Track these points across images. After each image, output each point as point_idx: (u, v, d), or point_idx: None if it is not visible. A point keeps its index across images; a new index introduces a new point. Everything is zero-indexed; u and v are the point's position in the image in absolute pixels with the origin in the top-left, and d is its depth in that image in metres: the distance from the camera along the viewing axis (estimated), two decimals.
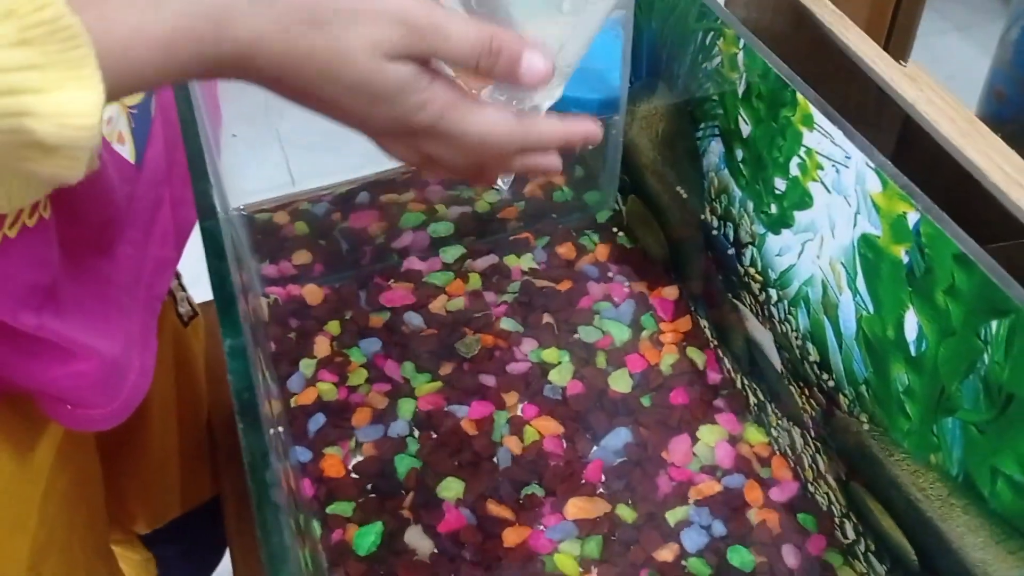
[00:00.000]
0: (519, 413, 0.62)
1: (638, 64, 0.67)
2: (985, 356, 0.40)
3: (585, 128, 0.43)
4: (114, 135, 0.48)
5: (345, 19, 0.34)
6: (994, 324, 0.39)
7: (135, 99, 0.51)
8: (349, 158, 0.68)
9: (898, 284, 0.44)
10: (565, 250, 0.73)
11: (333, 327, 0.67)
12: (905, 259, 0.43)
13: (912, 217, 0.42)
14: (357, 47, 0.34)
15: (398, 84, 0.36)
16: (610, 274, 0.71)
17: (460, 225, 0.73)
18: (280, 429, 0.53)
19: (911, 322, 0.44)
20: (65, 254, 0.44)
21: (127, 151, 0.49)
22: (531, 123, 0.41)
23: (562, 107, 0.82)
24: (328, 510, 0.57)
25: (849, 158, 0.46)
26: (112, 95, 0.29)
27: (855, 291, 0.48)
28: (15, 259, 0.40)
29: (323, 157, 0.73)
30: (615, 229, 0.75)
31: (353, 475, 0.59)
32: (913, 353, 0.45)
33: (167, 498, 0.72)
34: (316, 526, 0.56)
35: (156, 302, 0.55)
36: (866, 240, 0.46)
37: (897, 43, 0.65)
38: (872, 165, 0.44)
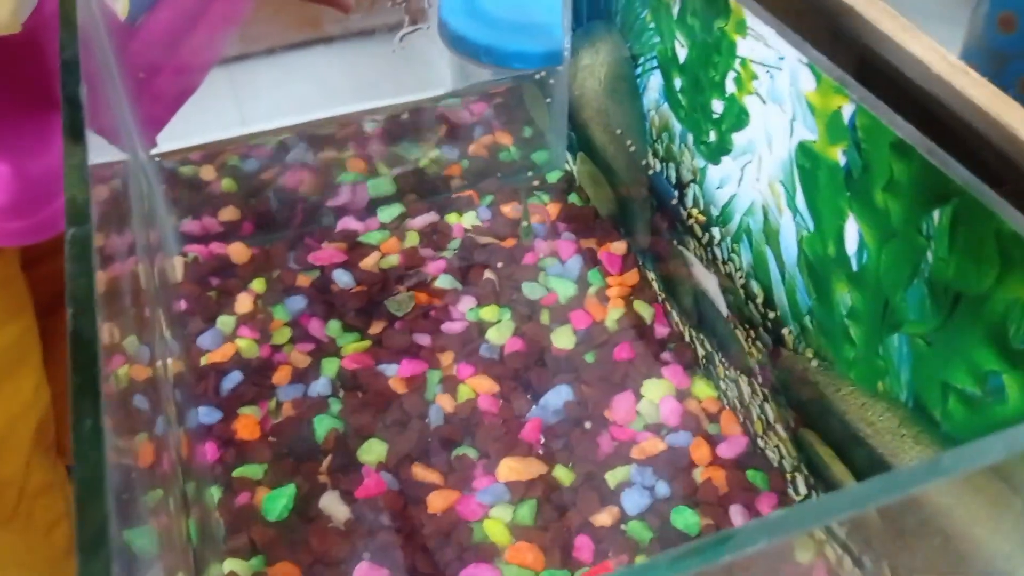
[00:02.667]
0: (454, 373, 0.58)
1: (579, 8, 0.64)
2: (928, 254, 0.36)
3: None
4: None
5: None
6: (936, 214, 0.35)
7: None
8: (298, 98, 0.66)
9: (836, 191, 0.40)
10: (510, 209, 0.69)
11: (258, 285, 0.63)
12: (842, 161, 0.40)
13: (847, 110, 0.38)
14: None
15: None
16: (558, 232, 0.67)
17: (400, 183, 0.69)
18: (176, 391, 0.49)
19: (851, 233, 0.40)
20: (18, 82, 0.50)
21: (118, 7, 0.52)
22: None
23: (504, 62, 0.79)
24: (235, 473, 0.52)
25: (783, 59, 0.42)
26: None
27: (795, 210, 0.44)
28: None
29: (275, 99, 0.70)
30: (565, 189, 0.71)
31: (270, 438, 0.55)
32: (855, 268, 0.41)
33: None
34: (214, 491, 0.51)
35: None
36: (803, 149, 0.42)
37: None
38: (805, 60, 0.40)
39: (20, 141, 0.54)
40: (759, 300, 0.49)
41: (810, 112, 0.41)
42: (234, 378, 0.56)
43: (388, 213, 0.68)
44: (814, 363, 0.46)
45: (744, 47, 0.45)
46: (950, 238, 0.34)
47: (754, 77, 0.45)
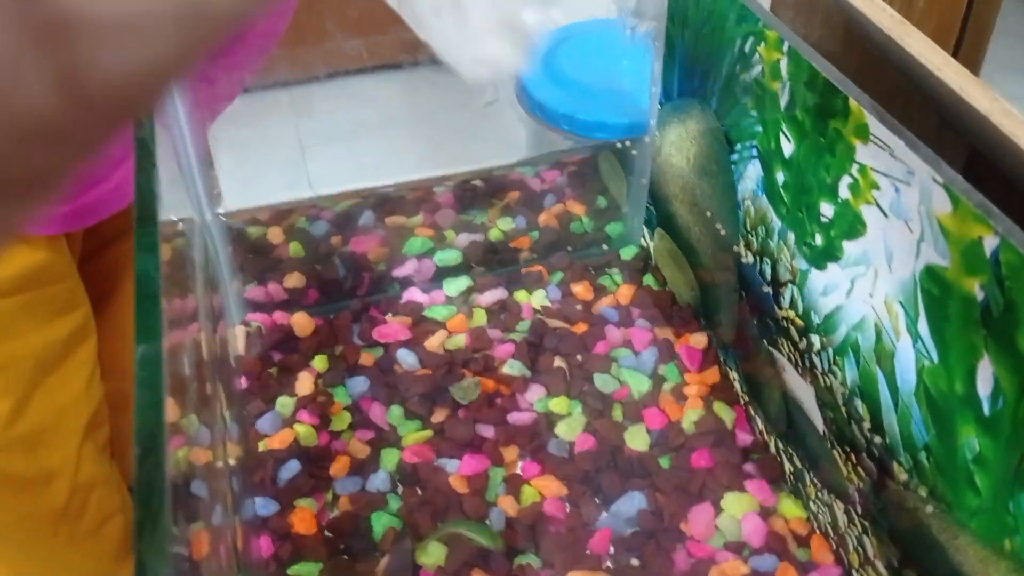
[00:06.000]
0: (518, 471, 0.54)
1: (669, 83, 0.60)
2: None
3: None
4: None
5: None
6: None
7: None
8: (367, 158, 0.64)
9: (970, 326, 0.36)
10: (582, 289, 0.65)
11: (320, 363, 0.60)
12: (980, 295, 0.35)
13: (989, 243, 0.34)
14: None
15: None
16: (632, 318, 0.63)
17: (468, 254, 0.66)
18: (233, 478, 0.46)
19: (985, 374, 0.36)
20: None
21: None
22: None
23: (586, 131, 0.76)
24: (290, 571, 0.49)
25: (912, 174, 0.38)
26: None
27: (916, 336, 0.40)
28: None
29: (343, 160, 0.68)
30: (640, 268, 0.67)
31: (327, 532, 0.51)
32: (987, 412, 0.36)
33: None
34: None
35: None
36: (931, 273, 0.38)
37: (967, 57, 0.57)
38: (940, 180, 0.36)
39: None
40: (865, 423, 0.45)
41: (943, 236, 0.37)
42: (292, 467, 0.53)
43: (455, 286, 0.65)
44: (928, 505, 0.41)
45: (864, 153, 0.41)
46: None
47: (875, 187, 0.41)
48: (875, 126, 0.40)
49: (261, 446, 0.54)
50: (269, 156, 0.61)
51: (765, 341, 0.54)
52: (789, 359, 0.51)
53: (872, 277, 0.42)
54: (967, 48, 0.70)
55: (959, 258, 0.36)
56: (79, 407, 0.66)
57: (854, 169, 0.42)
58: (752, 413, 0.57)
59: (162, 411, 0.27)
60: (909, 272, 0.39)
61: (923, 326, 0.39)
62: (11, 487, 0.64)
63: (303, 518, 0.51)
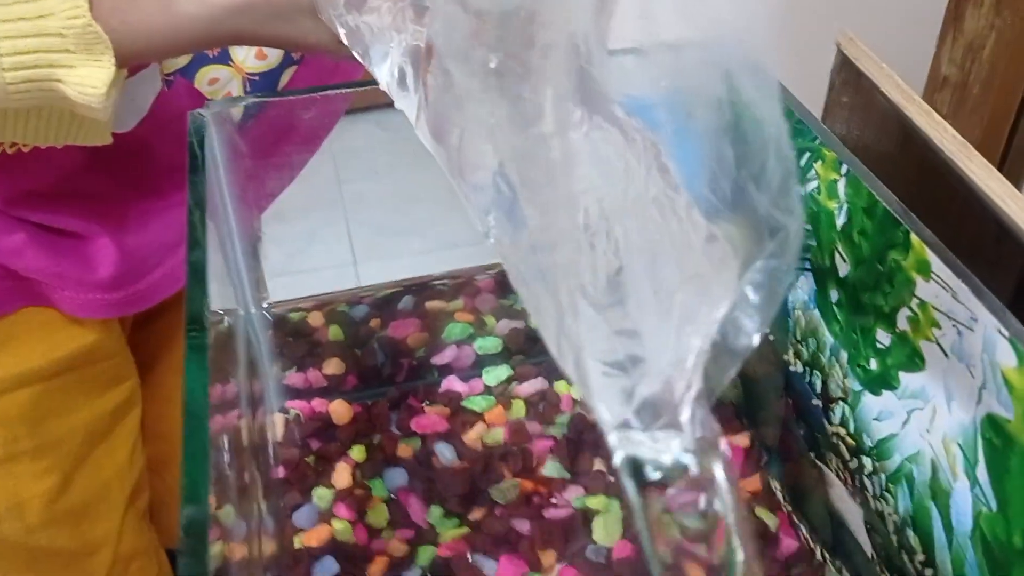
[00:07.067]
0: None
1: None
2: None
3: None
4: (219, 94, 0.56)
5: None
6: None
7: (258, 67, 0.56)
8: (414, 240, 0.64)
9: None
10: None
11: (358, 453, 0.59)
12: None
13: None
14: None
15: None
16: None
17: (508, 342, 0.65)
18: (266, 574, 0.45)
19: None
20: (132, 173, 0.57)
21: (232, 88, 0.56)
22: None
23: None
24: None
25: (975, 320, 0.37)
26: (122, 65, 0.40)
27: (974, 481, 0.39)
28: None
29: (389, 238, 0.68)
30: None
31: None
32: None
33: None
34: None
35: None
36: (993, 422, 0.37)
37: (1012, 170, 0.56)
38: (1006, 333, 0.35)
39: (121, 220, 0.58)
40: (917, 556, 0.44)
41: (1007, 389, 0.36)
42: (328, 567, 0.53)
43: (494, 375, 0.64)
44: None
45: (925, 290, 0.40)
46: None
47: (935, 325, 0.40)
48: (937, 265, 0.39)
49: (297, 542, 0.54)
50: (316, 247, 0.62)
51: (812, 453, 0.53)
52: (837, 475, 0.50)
53: (930, 413, 0.41)
54: (1021, 137, 0.69)
55: (1023, 414, 0.35)
56: (123, 478, 0.66)
57: (914, 303, 0.41)
58: (796, 521, 0.56)
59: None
60: (970, 417, 0.38)
61: (982, 472, 0.38)
62: (56, 561, 0.65)
63: None
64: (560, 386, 0.64)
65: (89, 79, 0.40)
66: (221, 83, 0.56)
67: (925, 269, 0.40)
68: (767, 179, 0.28)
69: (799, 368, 0.53)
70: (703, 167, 0.30)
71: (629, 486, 0.28)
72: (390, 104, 0.40)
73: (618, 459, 0.27)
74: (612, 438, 0.28)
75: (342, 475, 0.57)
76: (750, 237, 0.29)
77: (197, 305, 0.37)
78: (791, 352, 0.53)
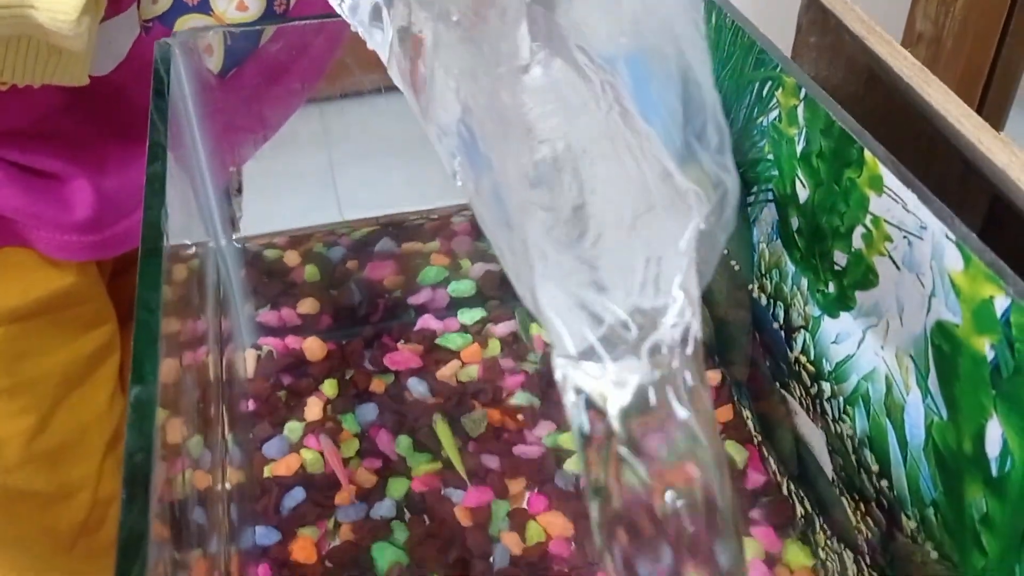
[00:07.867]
0: (524, 505, 0.54)
1: None
2: None
3: None
4: (201, 45, 0.54)
5: None
6: None
7: (238, 18, 0.56)
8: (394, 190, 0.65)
9: (980, 385, 0.36)
10: None
11: (330, 388, 0.60)
12: (990, 355, 0.35)
13: (1000, 303, 0.34)
14: None
15: None
16: None
17: (482, 285, 0.66)
18: (232, 505, 0.46)
19: (994, 434, 0.35)
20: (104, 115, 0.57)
21: (212, 62, 0.56)
22: None
23: None
24: None
25: (924, 228, 0.38)
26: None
27: (926, 391, 0.39)
28: None
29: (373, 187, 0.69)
30: None
31: (327, 563, 0.51)
32: (994, 473, 0.36)
33: None
34: None
35: None
36: (942, 329, 0.38)
37: (990, 114, 0.57)
38: (952, 237, 0.36)
39: (100, 162, 0.59)
40: (874, 474, 0.44)
41: (954, 293, 0.36)
42: (296, 496, 0.53)
43: (470, 316, 0.65)
44: (934, 557, 0.41)
45: (878, 205, 0.41)
46: None
47: (887, 239, 0.40)
48: (889, 178, 0.39)
49: (266, 471, 0.55)
50: (300, 179, 0.63)
51: (778, 383, 0.53)
52: (801, 403, 0.51)
53: (883, 329, 0.42)
54: (995, 92, 0.69)
55: (970, 316, 0.36)
56: (102, 422, 0.67)
57: (867, 220, 0.41)
58: (766, 453, 0.56)
59: (152, 458, 0.27)
60: (920, 326, 0.39)
61: (933, 382, 0.39)
62: (33, 502, 0.65)
63: (303, 546, 0.51)
64: (535, 328, 0.64)
65: (60, 4, 0.41)
66: (201, 34, 0.57)
67: (878, 184, 0.40)
68: (707, 140, 0.29)
69: (764, 301, 0.53)
70: (659, 118, 0.31)
71: (575, 417, 0.27)
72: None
73: (564, 386, 0.27)
74: (557, 365, 0.27)
75: (313, 409, 0.58)
76: (702, 185, 0.30)
77: (155, 214, 0.37)
78: (756, 286, 0.54)
